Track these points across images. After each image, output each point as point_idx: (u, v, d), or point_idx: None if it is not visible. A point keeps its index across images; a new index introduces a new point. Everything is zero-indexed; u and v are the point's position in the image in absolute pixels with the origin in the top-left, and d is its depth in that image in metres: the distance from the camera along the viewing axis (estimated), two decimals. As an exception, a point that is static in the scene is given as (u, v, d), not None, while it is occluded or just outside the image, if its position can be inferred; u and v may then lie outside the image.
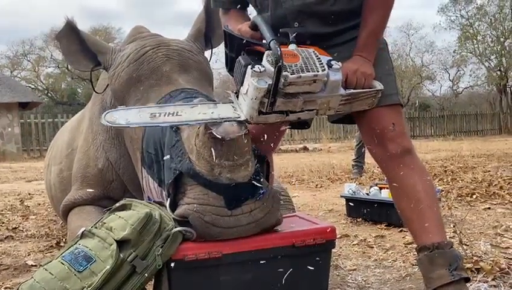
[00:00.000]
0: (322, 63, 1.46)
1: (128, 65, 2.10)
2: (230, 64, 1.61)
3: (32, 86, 27.00)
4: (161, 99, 1.92)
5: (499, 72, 23.83)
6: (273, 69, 1.39)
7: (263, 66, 1.41)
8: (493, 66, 24.32)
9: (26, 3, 48.54)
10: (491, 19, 23.60)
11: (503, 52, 23.42)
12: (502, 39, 23.59)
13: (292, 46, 1.51)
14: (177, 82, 2.01)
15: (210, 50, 2.42)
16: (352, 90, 1.57)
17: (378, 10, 1.65)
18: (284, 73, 1.40)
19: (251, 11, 1.89)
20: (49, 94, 28.65)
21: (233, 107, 1.54)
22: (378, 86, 1.62)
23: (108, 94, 2.38)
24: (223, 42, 1.66)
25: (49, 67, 28.79)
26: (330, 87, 1.49)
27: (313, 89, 1.47)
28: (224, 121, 1.46)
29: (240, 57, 1.51)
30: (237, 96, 1.56)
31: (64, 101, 27.84)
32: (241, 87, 1.49)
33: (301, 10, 1.65)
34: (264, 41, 1.49)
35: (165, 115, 1.48)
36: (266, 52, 1.45)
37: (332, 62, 1.49)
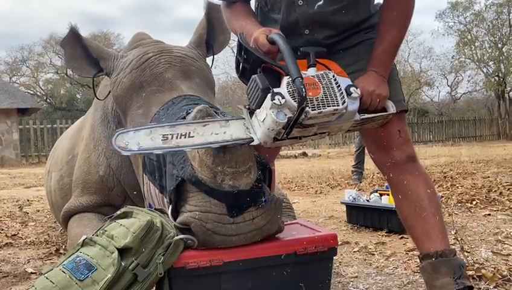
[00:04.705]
0: (341, 93, 1.43)
1: (130, 71, 2.10)
2: (242, 72, 1.57)
3: (31, 92, 27.04)
4: (163, 106, 1.92)
5: (497, 78, 23.93)
6: (294, 103, 1.36)
7: (283, 97, 1.37)
8: (491, 71, 24.42)
9: (26, 9, 48.68)
10: (488, 25, 23.74)
11: (501, 58, 23.55)
12: (499, 45, 23.72)
13: (312, 71, 1.46)
14: (179, 88, 2.01)
15: (212, 56, 2.42)
16: (366, 116, 1.54)
17: (396, 26, 1.61)
18: (306, 109, 1.36)
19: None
20: (48, 100, 28.67)
21: (245, 125, 1.50)
22: (391, 107, 1.59)
23: (110, 100, 2.38)
24: (234, 42, 1.61)
25: (48, 73, 28.89)
26: (347, 116, 1.47)
27: (330, 119, 1.44)
28: (237, 144, 1.45)
29: (256, 76, 1.46)
30: (249, 113, 1.51)
31: (63, 107, 27.85)
32: (257, 111, 1.45)
33: (314, 18, 1.63)
34: (279, 58, 1.45)
35: (177, 137, 1.45)
36: (287, 80, 1.40)
37: (352, 89, 1.45)
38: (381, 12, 1.65)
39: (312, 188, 5.72)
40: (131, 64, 2.12)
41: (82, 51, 2.26)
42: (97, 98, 2.48)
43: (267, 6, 1.73)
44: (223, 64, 25.10)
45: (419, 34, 42.41)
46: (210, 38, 2.39)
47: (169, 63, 2.09)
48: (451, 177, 5.58)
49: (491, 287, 1.93)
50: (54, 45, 26.59)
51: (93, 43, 2.32)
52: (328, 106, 1.40)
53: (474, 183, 4.93)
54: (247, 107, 1.54)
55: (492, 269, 2.08)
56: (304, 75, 1.40)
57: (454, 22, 24.98)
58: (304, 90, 1.33)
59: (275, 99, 1.36)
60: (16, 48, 28.81)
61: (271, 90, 1.39)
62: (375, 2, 1.76)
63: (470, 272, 2.01)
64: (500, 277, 1.99)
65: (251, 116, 1.51)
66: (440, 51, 45.06)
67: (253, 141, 1.46)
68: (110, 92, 2.28)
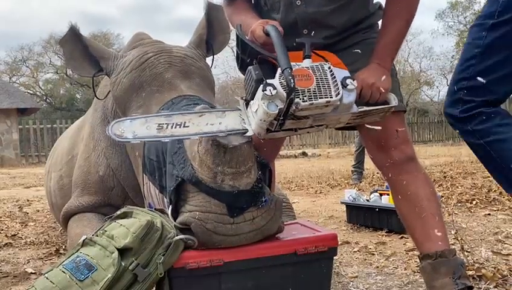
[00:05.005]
0: (336, 84, 1.40)
1: (130, 71, 2.10)
2: (241, 63, 1.57)
3: (31, 92, 27.06)
4: (163, 106, 1.92)
5: (496, 78, 23.91)
6: (285, 94, 1.34)
7: (275, 88, 1.35)
8: (491, 71, 24.40)
9: (26, 9, 48.69)
10: (488, 25, 23.74)
11: (500, 58, 23.54)
12: (499, 45, 23.71)
13: (307, 63, 1.44)
14: (179, 89, 2.01)
15: (211, 56, 2.42)
16: (364, 108, 1.50)
17: (401, 17, 1.59)
18: (296, 100, 1.35)
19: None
20: (47, 100, 28.68)
21: (240, 116, 1.50)
22: (393, 100, 1.56)
23: (109, 100, 2.38)
24: (234, 42, 1.61)
25: (48, 73, 28.91)
26: (342, 108, 1.44)
27: (324, 111, 1.42)
28: (232, 134, 1.45)
29: (251, 67, 1.46)
30: (246, 104, 1.51)
31: (63, 107, 27.87)
32: (251, 102, 1.45)
33: (313, 18, 1.62)
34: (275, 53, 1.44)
35: (172, 127, 1.45)
36: (279, 72, 1.38)
37: (348, 81, 1.42)
38: (385, 7, 1.64)
39: (312, 188, 5.72)
40: (131, 64, 2.11)
41: (82, 50, 2.25)
42: (97, 97, 2.48)
43: (266, 5, 1.73)
44: (223, 64, 25.09)
45: (419, 34, 42.40)
46: (210, 38, 2.38)
47: (169, 63, 2.09)
48: (451, 177, 5.58)
49: (491, 287, 1.93)
50: (53, 45, 26.60)
51: (93, 43, 2.31)
52: (320, 98, 1.37)
53: (474, 183, 4.93)
54: (243, 98, 1.53)
55: (493, 269, 2.07)
56: (297, 66, 1.39)
57: (454, 22, 25.09)
58: (292, 81, 1.32)
59: (266, 90, 1.36)
60: (16, 48, 28.92)
61: (264, 81, 1.38)
62: (374, 1, 1.75)
63: (470, 272, 2.01)
64: (500, 276, 1.99)
65: (247, 108, 1.50)
66: (440, 51, 45.05)
67: (247, 132, 1.46)
68: (109, 91, 2.28)
